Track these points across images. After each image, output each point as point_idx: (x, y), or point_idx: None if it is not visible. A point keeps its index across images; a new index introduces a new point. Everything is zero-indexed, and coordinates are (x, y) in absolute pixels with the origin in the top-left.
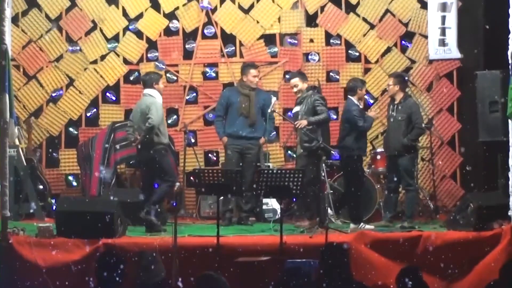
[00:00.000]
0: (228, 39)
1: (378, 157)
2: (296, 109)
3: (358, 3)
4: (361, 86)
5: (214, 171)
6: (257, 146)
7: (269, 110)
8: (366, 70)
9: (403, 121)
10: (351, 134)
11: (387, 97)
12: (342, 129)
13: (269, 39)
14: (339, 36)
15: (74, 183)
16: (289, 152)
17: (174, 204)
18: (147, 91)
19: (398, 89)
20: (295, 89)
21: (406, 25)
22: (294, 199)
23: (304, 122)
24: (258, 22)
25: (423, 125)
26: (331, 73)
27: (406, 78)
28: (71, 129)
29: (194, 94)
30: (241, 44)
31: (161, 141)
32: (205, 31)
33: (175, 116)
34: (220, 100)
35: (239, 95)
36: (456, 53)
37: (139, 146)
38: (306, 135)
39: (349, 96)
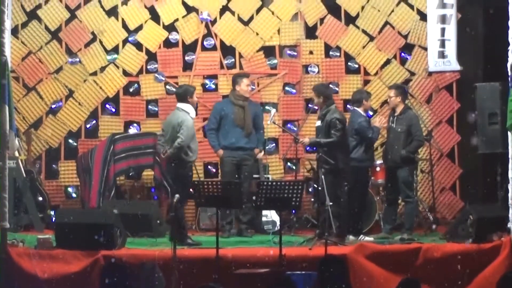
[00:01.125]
0: (227, 51)
1: (378, 168)
2: (317, 123)
3: (357, 15)
4: (367, 98)
5: (214, 183)
6: (253, 157)
7: (268, 122)
8: (366, 82)
9: (402, 132)
10: (360, 145)
11: (386, 109)
12: (350, 140)
13: (268, 51)
14: (338, 48)
15: (74, 195)
16: (289, 164)
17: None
18: (180, 105)
19: (399, 101)
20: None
21: (405, 37)
22: (294, 211)
23: (306, 141)
24: (257, 34)
25: (423, 138)
26: (330, 85)
27: (406, 90)
28: (70, 140)
29: None
30: (240, 56)
31: (190, 159)
32: (205, 43)
33: None
34: (213, 113)
35: (233, 106)
36: (455, 65)
37: (167, 160)
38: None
39: (354, 108)
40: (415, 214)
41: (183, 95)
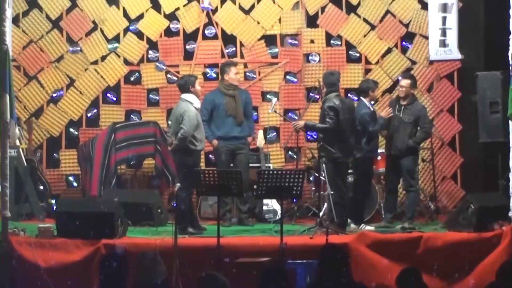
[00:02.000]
0: (228, 39)
1: (379, 157)
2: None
3: (358, 4)
4: (374, 88)
5: (215, 171)
6: (247, 146)
7: (269, 111)
8: (367, 71)
9: (410, 123)
10: (363, 136)
11: (388, 97)
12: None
13: (269, 40)
14: (339, 37)
15: (75, 184)
16: (290, 153)
17: (174, 204)
18: (184, 96)
19: (411, 91)
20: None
21: (406, 26)
22: (295, 200)
23: (301, 123)
24: (258, 22)
25: (431, 130)
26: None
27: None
28: (71, 129)
29: None
30: (241, 45)
31: (197, 148)
32: (206, 31)
33: None
34: (204, 105)
35: (224, 96)
36: (456, 54)
37: (172, 151)
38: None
39: (361, 98)
40: (416, 203)
41: (185, 86)
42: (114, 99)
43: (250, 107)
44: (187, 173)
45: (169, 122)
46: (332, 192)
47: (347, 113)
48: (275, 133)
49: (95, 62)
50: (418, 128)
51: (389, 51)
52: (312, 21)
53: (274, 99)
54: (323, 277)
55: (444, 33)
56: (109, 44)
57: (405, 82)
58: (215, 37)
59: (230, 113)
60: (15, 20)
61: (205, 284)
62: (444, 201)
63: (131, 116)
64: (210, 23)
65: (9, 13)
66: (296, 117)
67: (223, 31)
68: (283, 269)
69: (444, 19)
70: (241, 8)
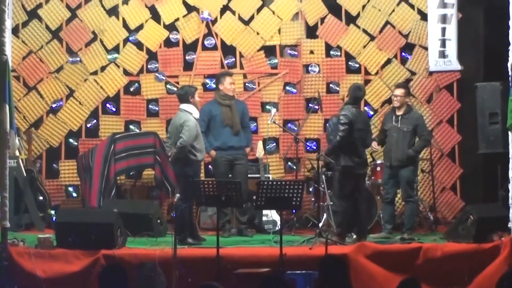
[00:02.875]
0: (228, 50)
1: (378, 168)
2: None
3: (358, 15)
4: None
5: (214, 182)
6: (246, 156)
7: (269, 121)
8: (366, 82)
9: (408, 132)
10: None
11: (388, 108)
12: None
13: (269, 51)
14: (339, 48)
15: (74, 194)
16: (289, 163)
17: (174, 215)
18: (183, 106)
19: (407, 100)
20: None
21: (406, 36)
22: (294, 211)
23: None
24: (258, 33)
25: (430, 138)
26: (331, 85)
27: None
28: (71, 140)
29: None
30: (241, 56)
31: (197, 158)
32: (205, 42)
33: None
34: (201, 116)
35: (220, 106)
36: (456, 65)
37: (172, 161)
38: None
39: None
40: (415, 214)
41: (185, 96)
42: (114, 109)
43: (247, 117)
44: (187, 183)
45: (168, 133)
46: (331, 202)
47: (361, 125)
48: (274, 144)
49: (95, 73)
50: (417, 137)
51: (388, 62)
52: (311, 31)
53: (274, 110)
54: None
55: (443, 44)
56: (109, 54)
57: (399, 91)
58: (214, 47)
59: (227, 123)
60: (15, 31)
61: None
62: (443, 212)
63: (131, 126)
64: (209, 33)
65: (8, 24)
66: (296, 128)
67: (222, 42)
68: (283, 279)
69: (443, 30)
70: (240, 18)
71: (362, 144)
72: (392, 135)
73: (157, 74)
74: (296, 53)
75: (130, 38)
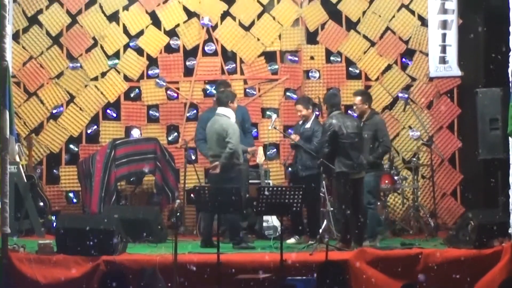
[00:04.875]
0: (228, 56)
1: None
2: None
3: (358, 21)
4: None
5: (213, 188)
6: (247, 162)
7: (269, 127)
8: (367, 88)
9: (369, 138)
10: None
11: (387, 114)
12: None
13: (269, 56)
14: (339, 54)
15: (75, 200)
16: (290, 169)
17: (174, 221)
18: (221, 110)
19: (367, 107)
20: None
21: (406, 42)
22: None
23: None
24: (258, 39)
25: (390, 144)
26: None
27: (407, 96)
28: (71, 146)
29: (195, 111)
30: (241, 61)
31: (240, 162)
32: (206, 48)
33: (175, 133)
34: (200, 124)
35: None
36: (456, 71)
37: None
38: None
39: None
40: (377, 220)
41: (225, 100)
42: (114, 115)
43: (248, 122)
44: (236, 188)
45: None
46: (331, 208)
47: (350, 129)
48: (275, 150)
49: (95, 79)
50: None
51: (389, 67)
52: (312, 37)
53: (274, 116)
54: None
55: (444, 50)
56: (109, 60)
57: (356, 99)
58: (215, 53)
59: None
60: (15, 37)
61: None
62: (444, 218)
63: (131, 132)
64: (210, 39)
65: (9, 30)
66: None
67: (223, 48)
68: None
69: (444, 36)
70: (241, 24)
71: (355, 148)
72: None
73: (157, 80)
74: (296, 58)
75: (131, 44)
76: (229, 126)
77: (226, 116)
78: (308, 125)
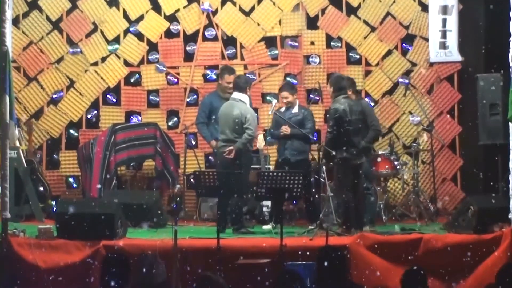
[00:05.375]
0: (228, 41)
1: (379, 159)
2: None
3: (359, 6)
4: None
5: (215, 173)
6: None
7: (269, 112)
8: (367, 73)
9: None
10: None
11: (388, 99)
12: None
13: (270, 42)
14: (339, 39)
15: (75, 185)
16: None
17: (175, 206)
18: (237, 95)
19: (351, 93)
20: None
21: (407, 27)
22: (295, 202)
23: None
24: (259, 24)
25: (380, 127)
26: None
27: (407, 81)
28: (71, 131)
29: (195, 96)
30: (242, 47)
31: (252, 148)
32: (206, 33)
33: (175, 118)
34: (202, 108)
35: (221, 99)
36: (457, 56)
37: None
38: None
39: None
40: (375, 205)
41: (244, 86)
42: (114, 100)
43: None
44: (243, 174)
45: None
46: (332, 194)
47: (356, 115)
48: None
49: (95, 64)
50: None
51: (389, 53)
52: (312, 22)
53: (274, 101)
54: (323, 279)
55: (444, 35)
56: (109, 45)
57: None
58: (215, 38)
59: None
60: (15, 21)
61: (202, 285)
62: (444, 203)
63: (131, 117)
64: (210, 24)
65: (9, 14)
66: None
67: (223, 33)
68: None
69: (444, 21)
70: (241, 9)
71: (357, 134)
72: None
73: (157, 65)
74: (296, 44)
75: (131, 29)
76: (247, 111)
77: (243, 102)
78: (295, 110)
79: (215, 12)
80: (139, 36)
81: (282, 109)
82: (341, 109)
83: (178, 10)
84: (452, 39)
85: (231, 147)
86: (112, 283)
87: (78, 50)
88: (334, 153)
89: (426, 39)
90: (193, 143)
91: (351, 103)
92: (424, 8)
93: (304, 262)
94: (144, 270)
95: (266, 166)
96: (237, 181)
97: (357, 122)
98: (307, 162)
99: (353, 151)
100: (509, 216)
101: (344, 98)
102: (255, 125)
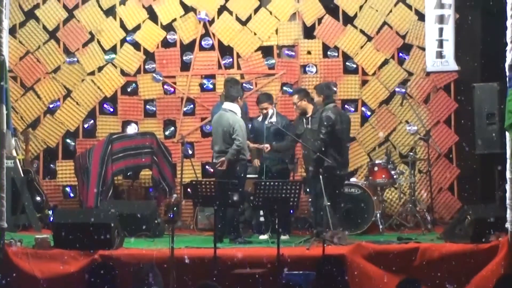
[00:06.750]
0: (225, 50)
1: (376, 168)
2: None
3: (355, 15)
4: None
5: (211, 183)
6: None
7: (266, 122)
8: (364, 82)
9: (315, 130)
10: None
11: (384, 109)
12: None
13: (266, 51)
14: (336, 48)
15: (71, 195)
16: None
17: (171, 215)
18: (228, 105)
19: (306, 103)
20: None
21: (403, 37)
22: (292, 211)
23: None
24: (255, 34)
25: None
26: (324, 82)
27: (404, 90)
28: (68, 140)
29: (192, 105)
30: (238, 56)
31: (246, 157)
32: (203, 42)
33: (172, 128)
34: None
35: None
36: (453, 65)
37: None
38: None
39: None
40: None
41: (235, 95)
42: (111, 110)
43: (246, 115)
44: (240, 184)
45: (213, 136)
46: (328, 203)
47: (343, 124)
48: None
49: (92, 73)
50: None
51: (386, 62)
52: (309, 32)
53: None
54: None
55: (441, 45)
56: (106, 55)
57: (294, 98)
58: (212, 48)
59: None
60: (12, 31)
61: None
62: (441, 212)
63: (128, 127)
64: (207, 34)
65: (6, 24)
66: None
67: (220, 42)
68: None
69: (441, 31)
70: (238, 19)
71: (344, 143)
72: (307, 138)
73: (154, 75)
74: (293, 53)
75: (127, 39)
76: (235, 122)
77: (233, 112)
78: (273, 119)
79: (211, 22)
80: (136, 45)
81: (259, 118)
82: (332, 117)
83: (174, 20)
84: (449, 49)
85: (223, 159)
86: None
87: (75, 59)
88: (330, 162)
89: (423, 49)
90: (190, 152)
91: (338, 111)
92: (421, 17)
93: (301, 272)
94: (141, 280)
95: (263, 176)
96: (233, 191)
97: (343, 133)
98: (287, 171)
99: (339, 159)
100: (506, 226)
101: (333, 106)
102: (243, 135)
